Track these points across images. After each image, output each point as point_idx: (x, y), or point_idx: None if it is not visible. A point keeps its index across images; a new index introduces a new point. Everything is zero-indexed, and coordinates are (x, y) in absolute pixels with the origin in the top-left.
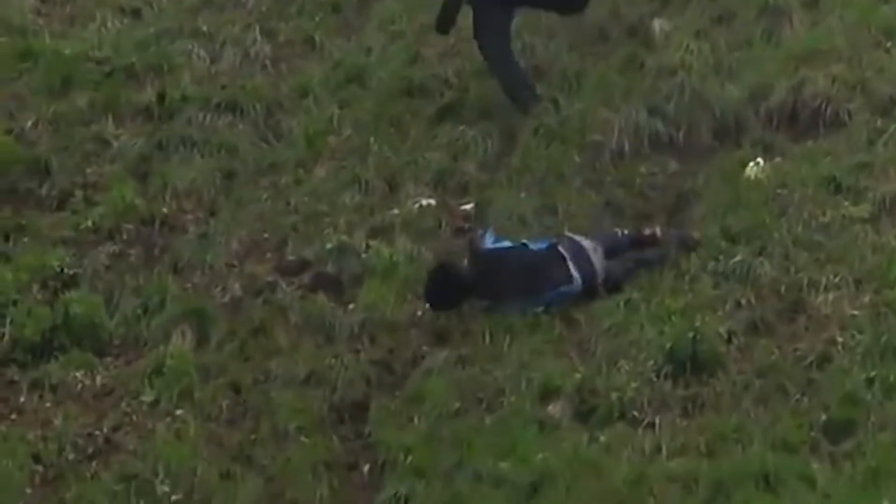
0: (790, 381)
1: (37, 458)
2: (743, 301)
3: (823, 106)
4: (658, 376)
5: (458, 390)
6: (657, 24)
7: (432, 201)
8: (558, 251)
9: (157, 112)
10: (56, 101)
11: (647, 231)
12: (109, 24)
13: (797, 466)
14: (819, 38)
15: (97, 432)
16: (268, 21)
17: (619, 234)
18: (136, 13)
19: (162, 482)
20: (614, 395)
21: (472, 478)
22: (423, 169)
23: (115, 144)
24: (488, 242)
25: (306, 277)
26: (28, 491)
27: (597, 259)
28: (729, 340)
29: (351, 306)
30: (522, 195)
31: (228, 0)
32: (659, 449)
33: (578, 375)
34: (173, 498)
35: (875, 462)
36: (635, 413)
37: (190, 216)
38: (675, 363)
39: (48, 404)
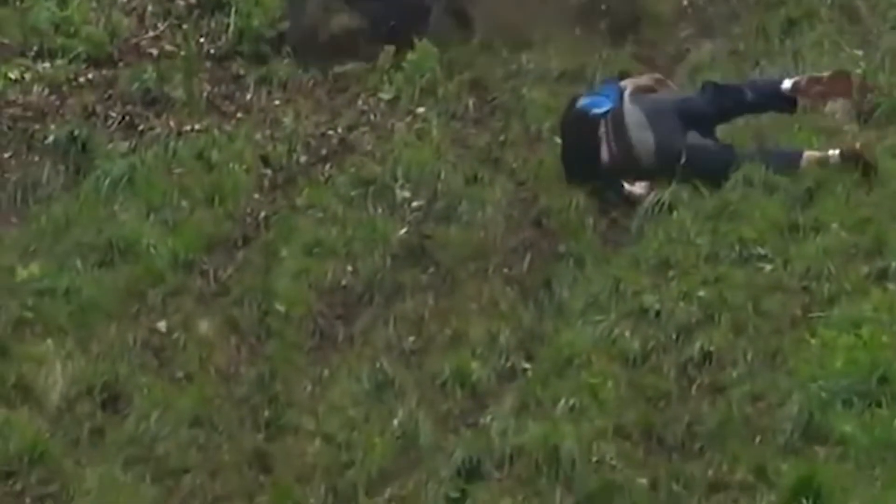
0: None
1: (265, 161)
2: None
3: None
4: None
5: None
6: None
7: None
8: None
9: None
10: None
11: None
12: None
13: None
14: None
15: (331, 132)
16: None
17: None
18: None
19: (402, 187)
20: None
21: (742, 184)
22: None
23: None
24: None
25: None
26: (256, 196)
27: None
28: None
29: None
30: None
31: None
32: None
33: (860, 70)
34: (414, 204)
35: None
36: None
37: None
38: None
39: (277, 102)
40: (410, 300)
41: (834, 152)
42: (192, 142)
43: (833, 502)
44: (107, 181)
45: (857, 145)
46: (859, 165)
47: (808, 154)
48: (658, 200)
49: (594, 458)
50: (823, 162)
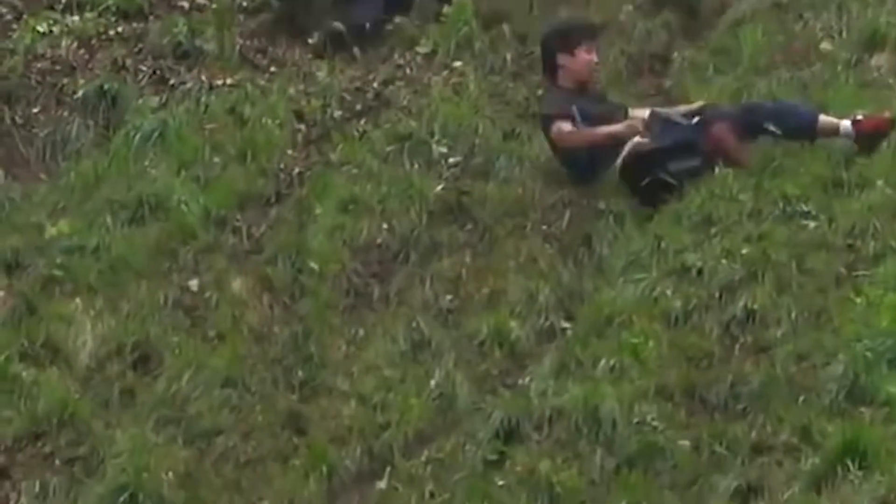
0: None
1: (299, 116)
2: None
3: None
4: None
5: (769, 43)
6: None
7: None
8: None
9: None
10: None
11: None
12: None
13: None
14: None
15: (366, 87)
16: None
17: None
18: None
19: (438, 143)
20: None
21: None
22: None
23: None
24: None
25: None
26: (289, 152)
27: None
28: None
29: None
30: None
31: None
32: None
33: None
34: (451, 160)
35: None
36: None
37: None
38: None
39: (311, 55)
40: (447, 258)
41: (846, 123)
42: (224, 96)
43: (878, 464)
44: (137, 137)
45: (860, 116)
46: (867, 144)
47: (823, 119)
48: None
49: (635, 420)
50: (834, 131)
